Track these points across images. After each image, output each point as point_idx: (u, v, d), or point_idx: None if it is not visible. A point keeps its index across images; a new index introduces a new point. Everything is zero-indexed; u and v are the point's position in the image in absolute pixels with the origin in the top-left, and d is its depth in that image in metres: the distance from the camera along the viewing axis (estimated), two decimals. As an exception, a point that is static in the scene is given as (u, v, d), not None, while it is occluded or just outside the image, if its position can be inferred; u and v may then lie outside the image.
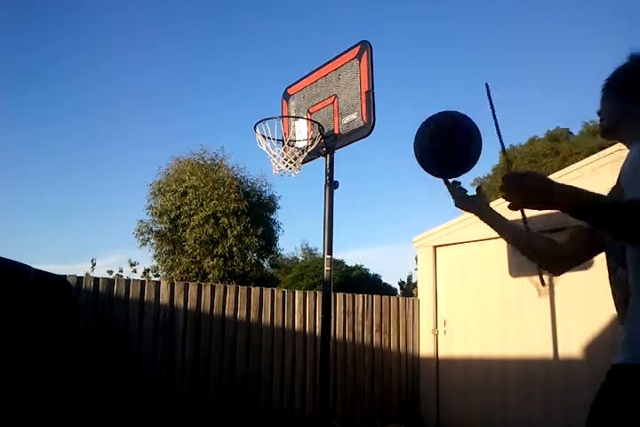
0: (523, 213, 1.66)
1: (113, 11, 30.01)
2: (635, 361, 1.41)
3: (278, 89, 5.20)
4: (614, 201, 1.46)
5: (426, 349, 6.74)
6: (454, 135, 1.95)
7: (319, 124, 4.43)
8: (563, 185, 1.41)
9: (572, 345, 5.31)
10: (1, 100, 27.89)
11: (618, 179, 1.54)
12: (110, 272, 15.10)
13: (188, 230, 14.38)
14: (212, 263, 14.23)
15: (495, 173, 25.77)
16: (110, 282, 5.09)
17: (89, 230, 31.22)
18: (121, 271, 15.55)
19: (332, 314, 5.86)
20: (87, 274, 10.78)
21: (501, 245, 5.97)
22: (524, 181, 1.44)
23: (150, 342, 5.06)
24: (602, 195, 1.44)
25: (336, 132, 4.51)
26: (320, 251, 24.89)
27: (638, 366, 1.40)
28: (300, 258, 25.43)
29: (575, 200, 1.40)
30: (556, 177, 5.70)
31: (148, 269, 15.95)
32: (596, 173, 5.30)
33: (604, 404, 1.51)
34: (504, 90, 40.22)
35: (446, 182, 1.99)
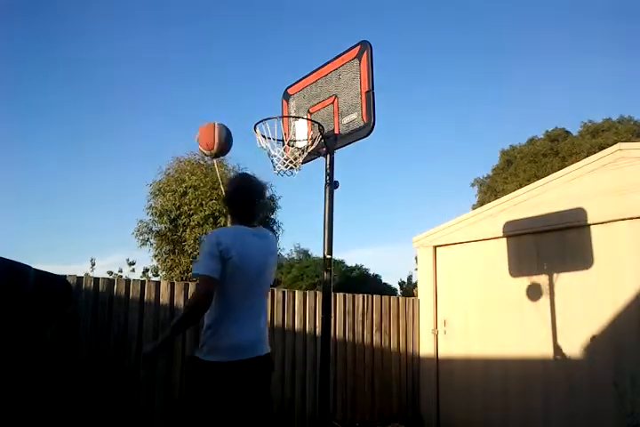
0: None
1: (114, 9, 30.00)
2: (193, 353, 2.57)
3: (279, 89, 5.20)
4: (174, 324, 2.53)
5: (426, 349, 6.74)
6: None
7: (319, 124, 4.43)
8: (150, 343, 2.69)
9: (572, 345, 5.31)
10: (2, 96, 27.89)
11: None
12: (110, 273, 15.10)
13: (187, 230, 14.37)
14: (212, 263, 14.19)
15: (495, 174, 25.76)
16: (110, 282, 5.09)
17: (89, 230, 31.18)
18: (120, 271, 15.55)
19: (332, 314, 5.85)
20: (87, 274, 10.78)
21: (501, 245, 5.97)
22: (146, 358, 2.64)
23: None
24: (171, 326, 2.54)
25: (336, 132, 4.51)
26: (314, 251, 24.87)
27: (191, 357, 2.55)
28: (295, 257, 25.32)
29: (162, 344, 2.54)
30: (555, 177, 5.71)
31: (147, 269, 15.94)
32: (596, 173, 5.29)
33: None
34: (503, 90, 40.22)
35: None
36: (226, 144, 3.96)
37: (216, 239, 2.51)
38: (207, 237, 2.61)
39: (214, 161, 4.16)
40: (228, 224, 2.84)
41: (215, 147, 3.99)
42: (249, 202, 2.68)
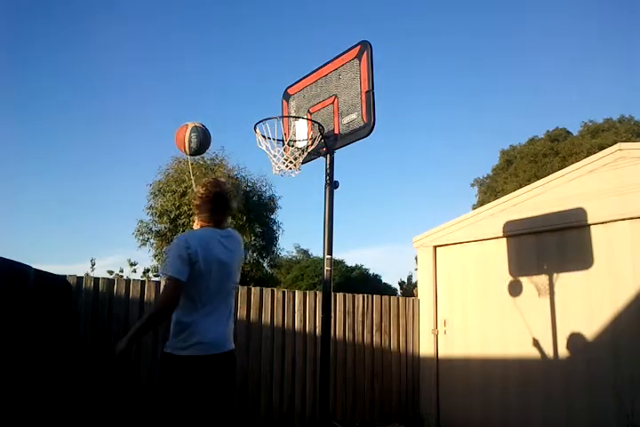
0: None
1: (110, 7, 29.98)
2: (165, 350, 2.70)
3: (279, 89, 5.20)
4: (142, 323, 2.67)
5: (426, 349, 6.73)
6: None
7: (319, 124, 4.43)
8: (123, 339, 2.65)
9: (572, 345, 5.31)
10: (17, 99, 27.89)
11: None
12: (111, 272, 15.06)
13: (187, 230, 14.37)
14: (211, 263, 14.18)
15: (495, 174, 25.76)
16: (110, 282, 5.08)
17: (89, 230, 31.18)
18: (121, 271, 15.53)
19: (332, 314, 5.85)
20: (87, 274, 10.77)
21: (501, 245, 5.97)
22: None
23: (150, 342, 5.05)
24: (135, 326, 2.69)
25: (336, 132, 4.51)
26: (314, 251, 24.90)
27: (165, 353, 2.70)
28: (296, 259, 25.30)
29: (132, 339, 2.66)
30: (555, 177, 5.71)
31: (148, 269, 15.92)
32: (596, 173, 5.29)
33: None
34: (503, 90, 40.21)
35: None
36: (198, 148, 4.03)
37: (185, 243, 2.67)
38: (177, 239, 2.77)
39: (188, 158, 4.25)
40: (195, 226, 2.92)
41: (185, 149, 4.04)
42: (222, 207, 2.83)
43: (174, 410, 2.63)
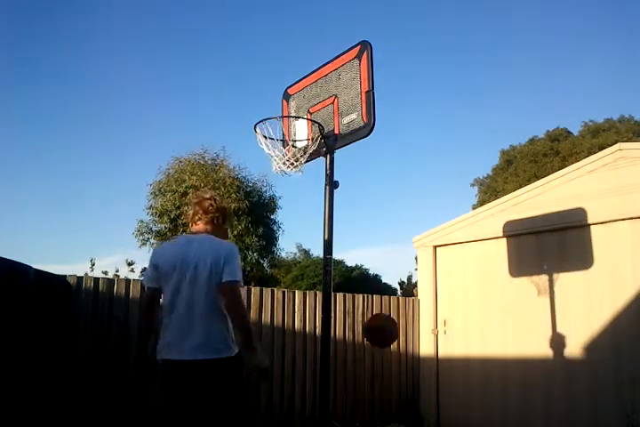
0: None
1: (110, 7, 29.96)
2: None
3: (279, 89, 5.19)
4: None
5: (426, 349, 6.73)
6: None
7: (319, 124, 4.43)
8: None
9: (572, 345, 5.31)
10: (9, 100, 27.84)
11: None
12: (105, 273, 15.04)
13: (187, 230, 14.38)
14: (212, 263, 14.17)
15: (495, 174, 25.76)
16: (110, 282, 5.09)
17: (88, 230, 31.13)
18: (117, 271, 15.52)
19: (332, 314, 5.84)
20: (87, 274, 10.77)
21: (501, 245, 5.97)
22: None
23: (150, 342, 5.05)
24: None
25: (336, 132, 4.51)
26: (315, 251, 24.86)
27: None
28: (297, 258, 25.25)
29: (143, 344, 2.95)
30: (555, 177, 5.71)
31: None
32: (596, 173, 5.29)
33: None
34: (503, 89, 40.22)
35: None
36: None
37: (153, 251, 3.01)
38: None
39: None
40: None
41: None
42: (192, 215, 3.06)
43: (159, 409, 2.81)
